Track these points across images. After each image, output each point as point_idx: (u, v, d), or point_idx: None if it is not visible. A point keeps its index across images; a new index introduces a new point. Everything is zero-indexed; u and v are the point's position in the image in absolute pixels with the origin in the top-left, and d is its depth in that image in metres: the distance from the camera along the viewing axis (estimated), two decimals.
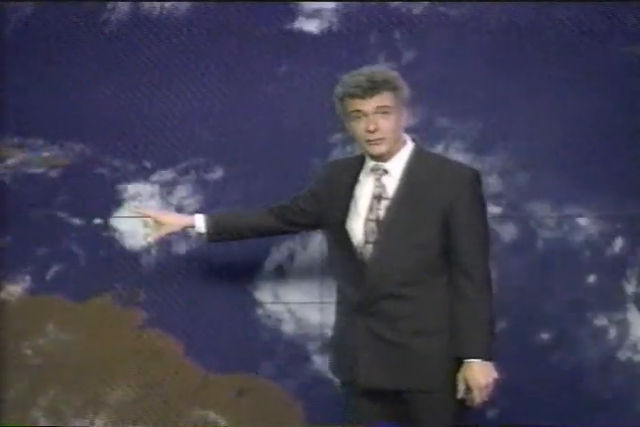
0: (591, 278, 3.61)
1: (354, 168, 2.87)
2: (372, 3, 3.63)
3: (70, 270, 3.73)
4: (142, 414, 3.74)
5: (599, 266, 3.60)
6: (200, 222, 3.11)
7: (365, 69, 2.81)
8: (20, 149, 3.73)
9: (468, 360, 2.69)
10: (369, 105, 2.72)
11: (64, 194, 3.73)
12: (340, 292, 2.92)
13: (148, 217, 3.14)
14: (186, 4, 3.68)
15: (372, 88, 2.71)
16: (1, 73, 3.69)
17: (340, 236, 2.83)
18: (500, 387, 2.79)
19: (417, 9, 3.62)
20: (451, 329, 2.72)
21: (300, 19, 3.66)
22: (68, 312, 3.72)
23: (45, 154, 3.73)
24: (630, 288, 3.63)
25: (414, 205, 2.73)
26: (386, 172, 2.79)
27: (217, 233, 3.12)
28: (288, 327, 3.71)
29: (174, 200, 3.72)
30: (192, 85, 3.69)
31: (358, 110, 2.74)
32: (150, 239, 3.16)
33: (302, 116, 3.66)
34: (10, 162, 3.73)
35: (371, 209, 2.79)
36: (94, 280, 3.72)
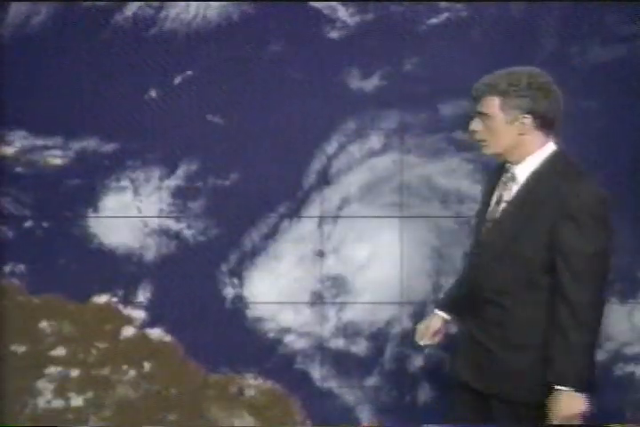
0: None
1: (500, 171, 2.82)
2: (372, 4, 3.63)
3: (70, 270, 3.73)
4: (142, 415, 3.74)
5: None
6: (446, 316, 3.01)
7: (503, 70, 2.71)
8: (20, 148, 3.73)
9: (557, 387, 2.58)
10: (478, 107, 2.71)
11: (64, 193, 3.73)
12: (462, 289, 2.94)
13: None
14: (187, 5, 3.68)
15: (477, 90, 2.70)
16: (1, 73, 3.70)
17: (474, 237, 2.84)
18: None
19: (417, 9, 3.63)
20: (544, 350, 2.63)
21: (302, 20, 3.66)
22: (67, 312, 3.73)
23: (45, 153, 3.73)
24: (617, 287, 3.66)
25: (525, 215, 2.64)
26: (513, 176, 2.72)
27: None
28: (287, 327, 3.72)
29: (174, 201, 3.72)
30: (192, 86, 3.69)
31: (475, 111, 2.75)
32: (426, 342, 3.06)
33: (302, 116, 3.66)
34: (9, 160, 3.73)
35: (492, 211, 2.75)
36: (94, 280, 3.73)
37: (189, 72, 3.70)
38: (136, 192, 3.73)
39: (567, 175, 2.63)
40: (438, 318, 2.99)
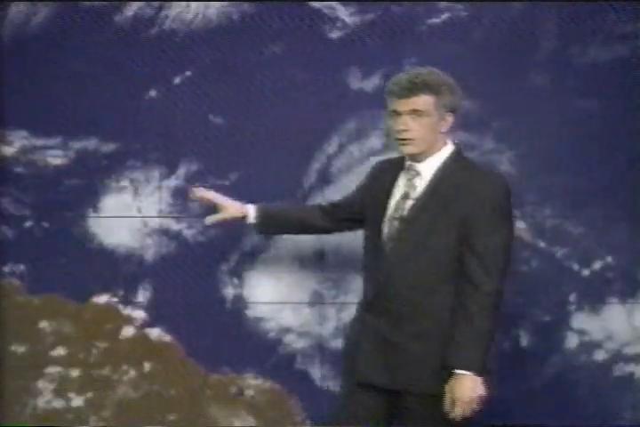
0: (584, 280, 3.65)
1: (397, 168, 2.88)
2: (372, 4, 3.63)
3: (70, 270, 3.72)
4: (142, 414, 3.74)
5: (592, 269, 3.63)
6: (251, 213, 3.07)
7: (415, 70, 2.80)
8: (20, 148, 3.73)
9: (457, 371, 2.66)
10: (404, 106, 2.74)
11: (64, 193, 3.73)
12: (363, 288, 2.93)
13: (208, 200, 3.11)
14: (187, 5, 3.68)
15: (409, 89, 2.72)
16: (1, 73, 3.70)
17: (373, 234, 2.86)
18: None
19: (417, 9, 3.63)
20: (447, 337, 2.69)
21: (302, 20, 3.66)
22: (67, 312, 3.72)
23: (45, 153, 3.73)
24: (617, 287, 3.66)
25: (435, 210, 2.72)
26: (418, 173, 2.80)
27: (265, 224, 3.09)
28: (287, 327, 3.71)
29: (174, 201, 3.72)
30: (192, 86, 3.69)
31: (394, 110, 2.77)
32: (209, 222, 3.12)
33: (302, 116, 3.66)
34: (10, 160, 3.73)
35: (397, 208, 2.80)
36: (94, 280, 3.72)
37: (189, 72, 3.70)
38: (136, 192, 3.73)
39: (470, 170, 2.77)
40: (241, 210, 3.05)
